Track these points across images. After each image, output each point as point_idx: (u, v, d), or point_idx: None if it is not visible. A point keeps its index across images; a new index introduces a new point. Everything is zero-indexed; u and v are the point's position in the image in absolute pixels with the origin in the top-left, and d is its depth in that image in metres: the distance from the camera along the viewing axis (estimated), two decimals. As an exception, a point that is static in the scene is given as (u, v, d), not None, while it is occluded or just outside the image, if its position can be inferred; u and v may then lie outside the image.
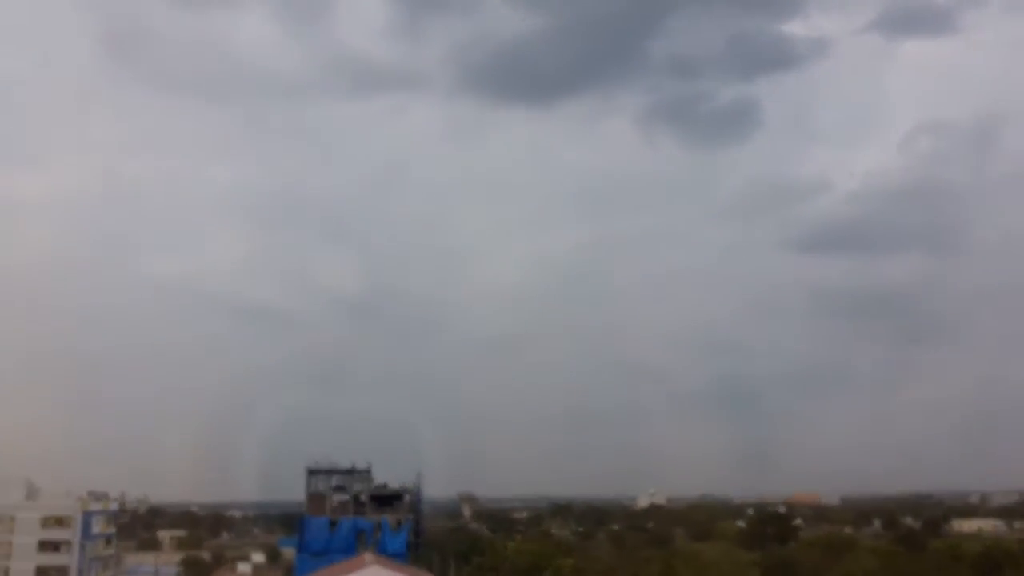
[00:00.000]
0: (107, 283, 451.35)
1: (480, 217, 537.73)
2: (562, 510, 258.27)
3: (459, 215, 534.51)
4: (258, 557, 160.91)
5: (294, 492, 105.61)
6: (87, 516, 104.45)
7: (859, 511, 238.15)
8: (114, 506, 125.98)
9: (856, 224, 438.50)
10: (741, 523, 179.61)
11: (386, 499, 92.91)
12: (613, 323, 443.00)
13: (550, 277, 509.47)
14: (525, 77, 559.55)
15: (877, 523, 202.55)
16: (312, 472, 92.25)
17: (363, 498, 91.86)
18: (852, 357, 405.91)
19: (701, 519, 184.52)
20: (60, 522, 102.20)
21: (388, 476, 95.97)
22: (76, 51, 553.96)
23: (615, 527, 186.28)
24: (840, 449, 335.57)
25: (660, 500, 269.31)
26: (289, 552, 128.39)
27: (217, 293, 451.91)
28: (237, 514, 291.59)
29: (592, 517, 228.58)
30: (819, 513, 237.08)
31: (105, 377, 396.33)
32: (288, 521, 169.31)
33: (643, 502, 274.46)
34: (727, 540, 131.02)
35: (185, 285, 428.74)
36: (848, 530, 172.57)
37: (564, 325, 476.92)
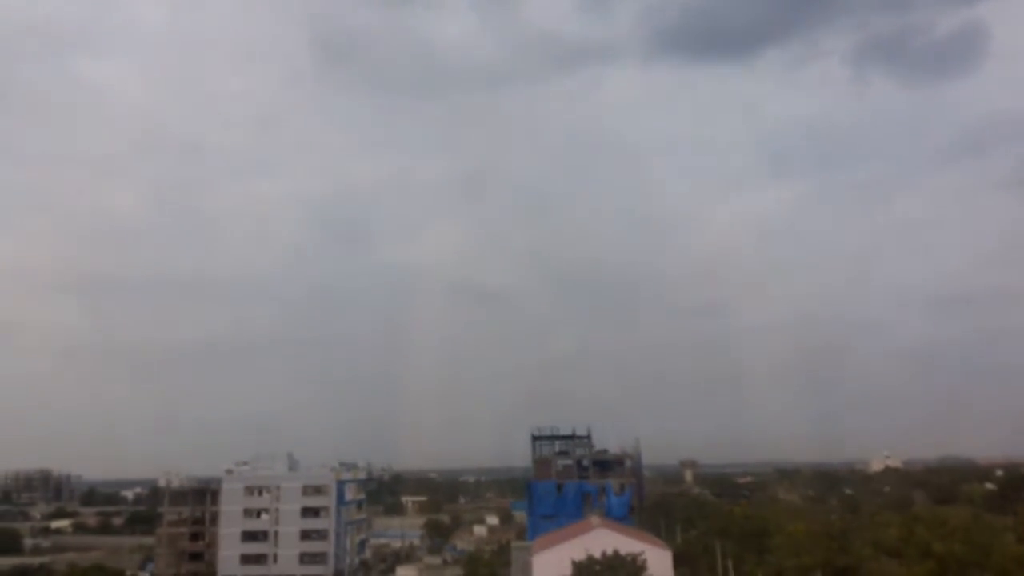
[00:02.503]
0: (342, 271, 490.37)
1: (682, 181, 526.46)
2: (789, 475, 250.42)
3: (661, 181, 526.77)
4: (492, 520, 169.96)
5: (520, 458, 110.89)
6: (340, 484, 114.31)
7: None
8: (362, 475, 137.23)
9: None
10: (990, 485, 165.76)
11: (607, 464, 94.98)
12: (830, 280, 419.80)
13: (759, 237, 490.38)
14: (719, 32, 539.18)
15: None
16: (536, 438, 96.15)
17: (585, 463, 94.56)
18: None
19: (942, 482, 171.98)
20: (318, 490, 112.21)
21: (607, 442, 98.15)
22: (295, 62, 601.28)
23: (848, 491, 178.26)
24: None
25: (895, 463, 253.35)
26: (520, 515, 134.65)
27: (437, 274, 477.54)
28: (471, 479, 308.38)
29: (822, 482, 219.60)
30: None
31: (347, 356, 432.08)
32: (517, 485, 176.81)
33: (876, 466, 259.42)
34: (973, 504, 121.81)
35: (409, 269, 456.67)
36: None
37: (776, 286, 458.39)
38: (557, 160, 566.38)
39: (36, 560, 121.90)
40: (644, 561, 52.29)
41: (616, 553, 52.25)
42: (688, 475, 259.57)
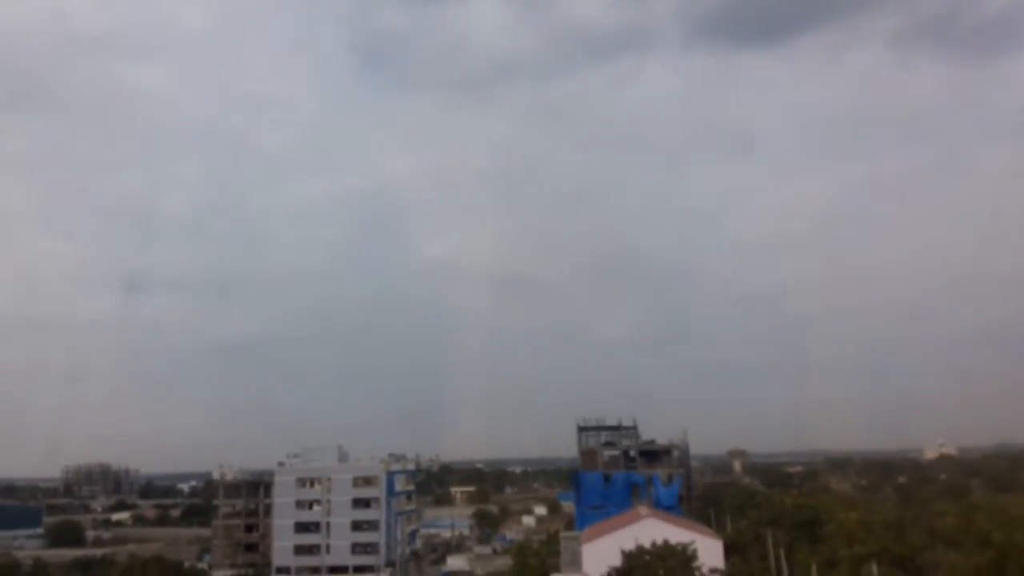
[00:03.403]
0: (385, 266, 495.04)
1: (723, 170, 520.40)
2: (840, 464, 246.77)
3: (701, 170, 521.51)
4: (540, 510, 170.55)
5: (566, 448, 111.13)
6: (390, 475, 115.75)
7: None
8: (411, 466, 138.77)
9: None
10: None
11: (654, 454, 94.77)
12: (879, 266, 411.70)
13: (805, 225, 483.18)
14: (758, 18, 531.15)
15: None
16: (582, 429, 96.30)
17: (632, 453, 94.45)
18: None
19: (1000, 469, 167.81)
20: (368, 481, 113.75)
21: (653, 432, 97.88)
22: (334, 63, 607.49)
23: (901, 480, 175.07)
24: None
25: (950, 451, 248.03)
26: (568, 505, 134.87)
27: (479, 268, 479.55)
28: (517, 470, 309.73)
29: (874, 470, 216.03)
30: None
31: (392, 350, 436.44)
32: (564, 476, 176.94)
33: (930, 453, 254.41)
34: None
35: (451, 263, 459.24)
36: None
37: (824, 274, 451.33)
38: (597, 150, 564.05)
39: (98, 551, 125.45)
40: (695, 551, 52.14)
41: (666, 543, 52.17)
42: (737, 465, 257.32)
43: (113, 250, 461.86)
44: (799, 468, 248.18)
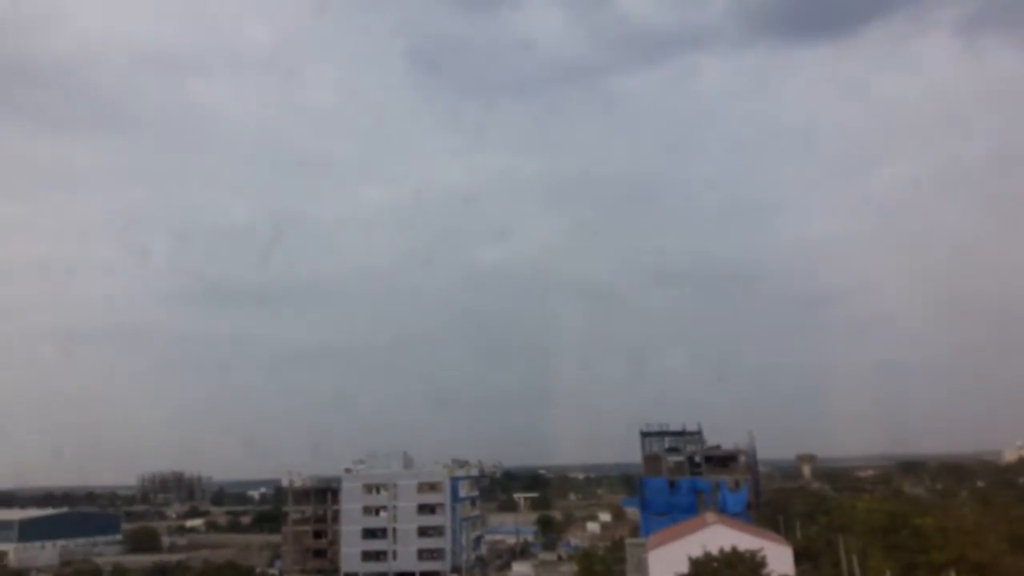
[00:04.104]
0: (446, 272, 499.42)
1: (787, 166, 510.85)
2: (914, 467, 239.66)
3: (764, 168, 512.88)
4: (604, 516, 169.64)
5: (629, 455, 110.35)
6: (454, 481, 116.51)
7: None
8: (474, 472, 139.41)
9: None
10: None
11: (721, 460, 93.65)
12: (950, 263, 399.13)
13: (874, 221, 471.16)
14: (817, 11, 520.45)
15: None
16: (646, 434, 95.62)
17: (698, 459, 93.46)
18: None
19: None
20: (433, 487, 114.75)
21: (719, 438, 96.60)
22: (393, 72, 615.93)
23: (979, 483, 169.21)
24: None
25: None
26: (632, 511, 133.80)
27: (539, 273, 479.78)
28: (580, 476, 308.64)
29: (950, 474, 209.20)
30: None
31: (453, 356, 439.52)
32: (628, 482, 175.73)
33: (1010, 456, 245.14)
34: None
35: (510, 268, 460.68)
36: None
37: (894, 272, 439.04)
38: (655, 151, 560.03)
39: (174, 557, 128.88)
40: (764, 558, 51.36)
41: (734, 550, 51.51)
42: (806, 469, 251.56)
43: (184, 262, 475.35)
44: (871, 472, 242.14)
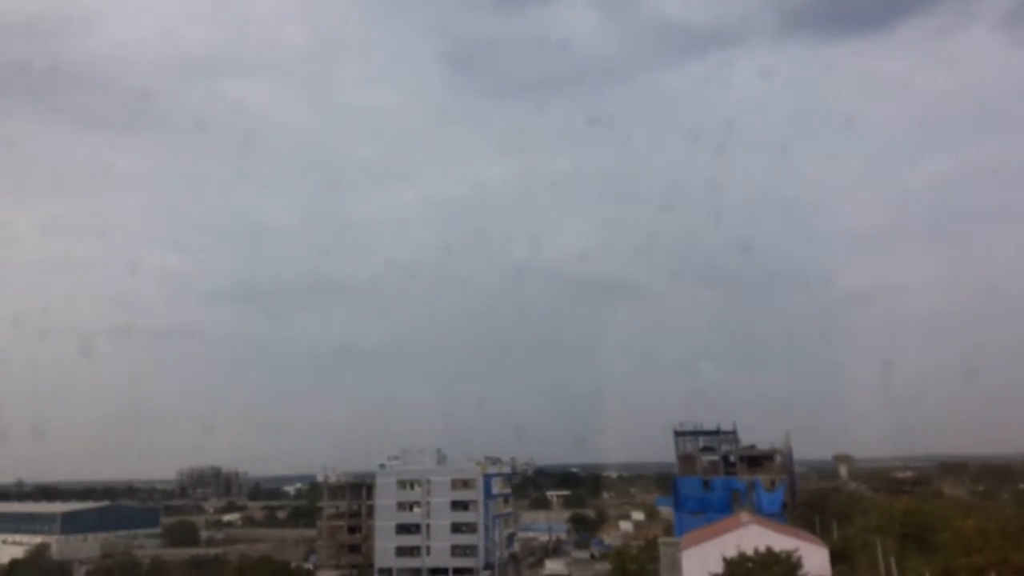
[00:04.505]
0: (479, 271, 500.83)
1: (825, 162, 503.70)
2: (954, 468, 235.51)
3: (802, 164, 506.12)
4: (637, 515, 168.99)
5: (662, 453, 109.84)
6: (487, 478, 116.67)
7: None
8: (507, 469, 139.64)
9: None
10: None
11: (756, 459, 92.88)
12: (997, 259, 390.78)
13: (912, 217, 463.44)
14: (855, 5, 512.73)
15: None
16: (679, 434, 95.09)
17: (732, 458, 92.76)
18: None
19: None
20: (466, 484, 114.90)
21: (754, 437, 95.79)
22: (426, 72, 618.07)
23: (1021, 485, 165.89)
24: None
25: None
26: (666, 510, 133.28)
27: (572, 271, 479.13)
28: (613, 474, 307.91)
29: (991, 475, 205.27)
30: None
31: (484, 354, 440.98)
32: (662, 481, 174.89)
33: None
34: None
35: (543, 267, 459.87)
36: None
37: (936, 269, 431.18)
38: (690, 148, 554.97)
39: (212, 551, 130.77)
40: (799, 558, 50.96)
41: (769, 550, 51.15)
42: (843, 470, 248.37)
43: (223, 261, 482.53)
44: (909, 473, 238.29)
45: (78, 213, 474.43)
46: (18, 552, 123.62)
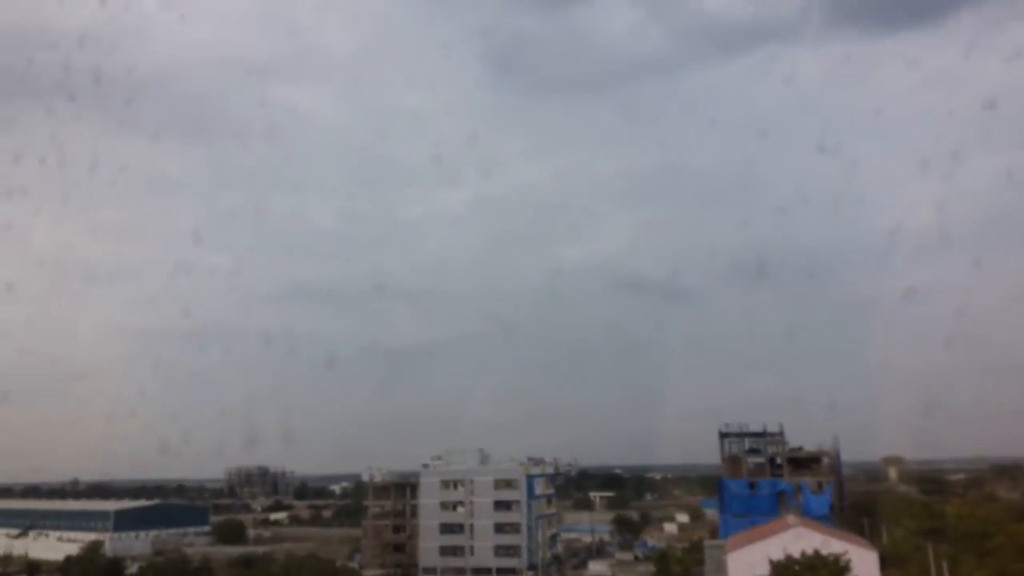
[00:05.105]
0: (523, 271, 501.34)
1: (876, 158, 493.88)
2: (1009, 471, 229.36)
3: (852, 160, 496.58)
4: (682, 517, 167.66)
5: (707, 455, 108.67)
6: (530, 479, 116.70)
7: None
8: (550, 470, 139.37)
9: None
10: None
11: (803, 461, 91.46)
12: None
13: (963, 214, 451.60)
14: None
15: None
16: (724, 435, 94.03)
17: (779, 460, 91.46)
18: None
19: None
20: (509, 484, 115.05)
21: (801, 439, 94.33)
22: (470, 74, 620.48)
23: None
24: None
25: None
26: (711, 513, 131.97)
27: (615, 271, 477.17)
28: (657, 476, 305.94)
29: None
30: None
31: (527, 354, 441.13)
32: (706, 483, 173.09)
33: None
34: None
35: (586, 267, 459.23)
36: None
37: (985, 268, 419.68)
38: (734, 145, 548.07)
39: (259, 549, 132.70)
40: (848, 562, 50.13)
41: (817, 553, 50.41)
42: (892, 472, 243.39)
43: (269, 262, 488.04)
44: (962, 475, 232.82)
45: (131, 216, 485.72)
46: (73, 549, 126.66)
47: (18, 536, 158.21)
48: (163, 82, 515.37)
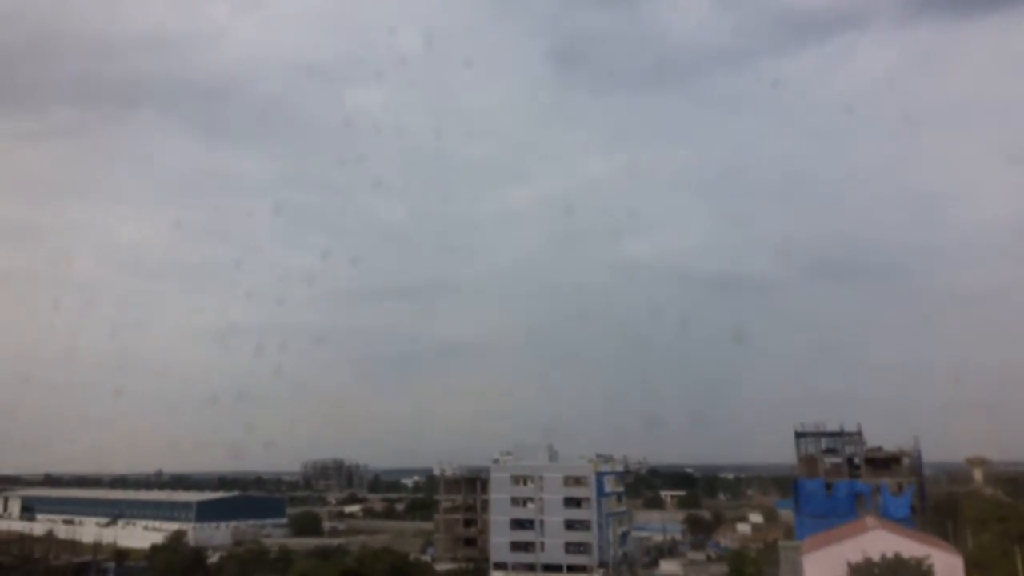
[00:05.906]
0: (589, 268, 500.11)
1: (961, 149, 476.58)
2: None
3: (935, 151, 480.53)
4: (755, 517, 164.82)
5: (782, 455, 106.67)
6: (599, 476, 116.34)
7: None
8: (619, 467, 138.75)
9: None
10: None
11: (882, 462, 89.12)
12: None
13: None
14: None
15: None
16: (800, 435, 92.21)
17: (857, 461, 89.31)
18: None
19: None
20: (578, 481, 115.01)
21: (880, 439, 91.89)
22: (536, 71, 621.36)
23: None
24: None
25: None
26: (786, 514, 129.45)
27: (684, 267, 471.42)
28: (729, 475, 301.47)
29: None
30: None
31: (595, 351, 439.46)
32: (779, 483, 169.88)
33: None
34: None
35: (654, 263, 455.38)
36: None
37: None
38: (807, 137, 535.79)
39: (334, 541, 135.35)
40: (930, 566, 48.65)
41: (897, 556, 49.07)
42: (977, 474, 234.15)
43: (342, 262, 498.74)
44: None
45: (210, 217, 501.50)
46: (158, 538, 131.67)
47: (107, 525, 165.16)
48: (234, 84, 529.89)
